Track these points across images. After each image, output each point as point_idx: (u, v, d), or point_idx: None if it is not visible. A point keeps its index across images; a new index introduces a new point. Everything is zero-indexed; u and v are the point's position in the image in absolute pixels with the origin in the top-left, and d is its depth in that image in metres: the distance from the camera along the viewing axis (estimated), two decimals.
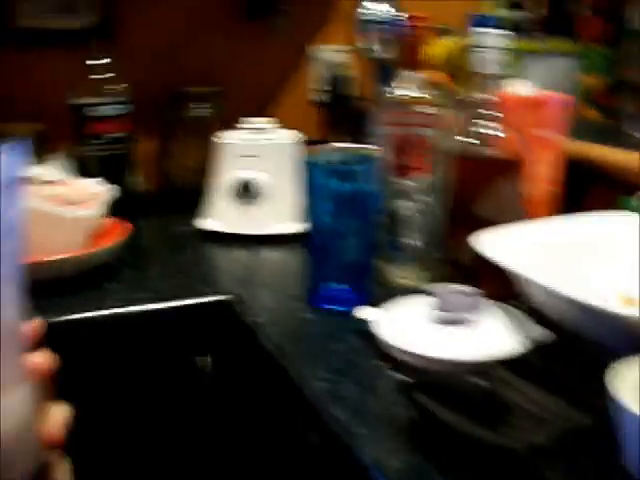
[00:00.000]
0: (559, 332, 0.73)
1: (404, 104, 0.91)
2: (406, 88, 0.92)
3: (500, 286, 0.79)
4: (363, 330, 0.79)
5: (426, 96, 0.92)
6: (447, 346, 0.72)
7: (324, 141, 1.41)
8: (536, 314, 0.77)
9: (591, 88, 1.64)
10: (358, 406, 0.66)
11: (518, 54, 1.42)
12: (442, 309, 0.77)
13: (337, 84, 1.52)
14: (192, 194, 1.27)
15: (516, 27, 1.72)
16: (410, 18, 0.91)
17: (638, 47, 1.57)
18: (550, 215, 0.95)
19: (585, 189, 1.04)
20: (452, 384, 0.59)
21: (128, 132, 1.33)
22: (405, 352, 0.72)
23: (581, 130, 1.02)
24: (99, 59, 1.29)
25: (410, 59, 0.93)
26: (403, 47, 0.93)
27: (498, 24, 0.96)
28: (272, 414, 0.85)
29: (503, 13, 1.67)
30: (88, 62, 1.28)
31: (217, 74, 1.52)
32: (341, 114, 1.51)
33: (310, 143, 1.32)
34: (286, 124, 1.34)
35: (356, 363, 0.75)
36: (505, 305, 0.80)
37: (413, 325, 0.77)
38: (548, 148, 0.96)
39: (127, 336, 0.92)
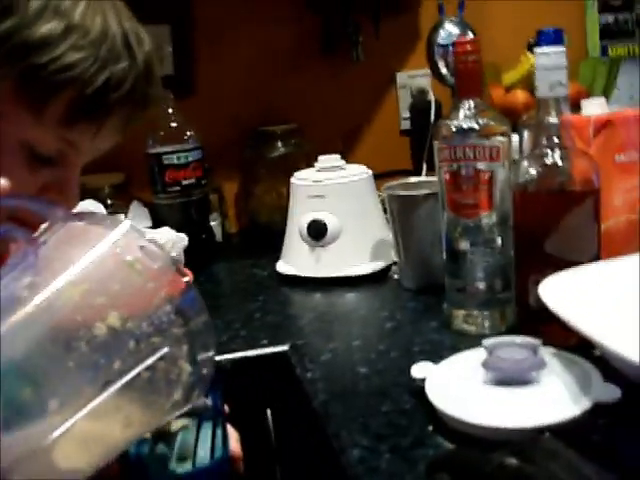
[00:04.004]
0: (628, 385, 0.64)
1: (463, 137, 0.84)
2: (464, 119, 0.85)
3: (569, 332, 0.71)
4: (417, 388, 0.72)
5: (488, 125, 0.84)
6: (495, 412, 0.64)
7: (405, 172, 1.36)
8: (606, 364, 0.68)
9: None
10: None
11: (614, 62, 1.31)
12: (496, 367, 0.69)
13: (424, 110, 1.46)
14: (277, 235, 1.24)
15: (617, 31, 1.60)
16: (462, 43, 0.84)
17: None
18: (633, 248, 0.85)
19: None
20: (476, 462, 0.52)
21: (208, 176, 1.34)
22: (451, 417, 0.65)
23: None
24: (177, 106, 1.30)
25: (468, 84, 0.85)
26: (459, 72, 0.86)
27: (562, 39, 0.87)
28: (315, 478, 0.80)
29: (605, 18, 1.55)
30: (167, 110, 1.29)
31: (298, 111, 1.51)
32: (425, 142, 1.45)
33: (390, 174, 1.28)
34: (375, 155, 1.30)
35: (400, 428, 0.68)
36: (570, 357, 0.72)
37: (465, 386, 0.70)
38: (627, 173, 0.85)
39: None
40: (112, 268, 0.44)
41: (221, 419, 0.61)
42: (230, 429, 0.68)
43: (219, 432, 0.59)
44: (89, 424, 0.41)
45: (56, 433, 0.39)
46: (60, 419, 0.39)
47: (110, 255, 0.44)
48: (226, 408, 0.69)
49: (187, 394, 0.45)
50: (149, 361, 0.42)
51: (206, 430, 0.60)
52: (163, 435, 0.57)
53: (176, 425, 0.59)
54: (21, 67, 0.52)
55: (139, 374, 0.42)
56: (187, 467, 0.56)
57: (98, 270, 0.43)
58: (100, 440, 0.43)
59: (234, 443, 0.67)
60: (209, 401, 0.63)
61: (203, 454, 0.57)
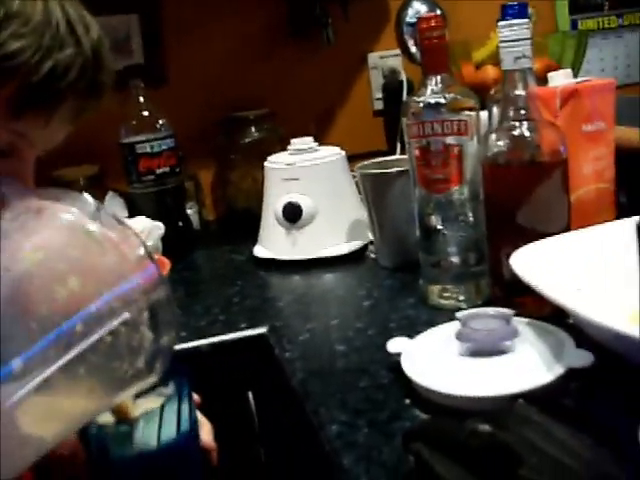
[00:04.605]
0: (601, 352, 0.65)
1: (431, 112, 0.85)
2: (432, 94, 0.85)
3: (543, 302, 0.72)
4: (394, 363, 0.73)
5: (456, 100, 0.85)
6: (469, 381, 0.65)
7: (379, 152, 1.36)
8: (579, 331, 0.69)
9: None
10: (368, 454, 0.61)
11: (582, 35, 1.31)
12: (469, 338, 0.70)
13: (396, 90, 1.46)
14: (254, 220, 1.24)
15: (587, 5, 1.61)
16: (426, 18, 0.84)
17: None
18: (604, 217, 0.86)
19: None
20: (449, 430, 0.53)
21: (182, 164, 1.33)
22: (426, 389, 0.66)
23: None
24: (148, 95, 1.29)
25: (434, 60, 0.86)
26: (424, 48, 0.86)
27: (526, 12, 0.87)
28: (297, 457, 0.80)
29: None
30: (138, 100, 1.28)
31: (270, 95, 1.50)
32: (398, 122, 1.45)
33: (367, 155, 1.28)
34: (349, 137, 1.29)
35: (378, 402, 0.69)
36: (543, 325, 0.73)
37: (439, 358, 0.70)
38: (595, 142, 0.86)
39: None
40: (70, 237, 0.45)
41: (187, 399, 0.61)
42: (203, 420, 0.68)
43: (185, 408, 0.59)
44: (53, 392, 0.41)
45: (20, 393, 0.39)
46: (24, 380, 0.39)
47: (68, 224, 0.45)
48: (197, 397, 0.69)
49: (149, 363, 0.46)
50: (111, 325, 0.43)
51: (171, 409, 0.59)
52: (126, 419, 0.57)
53: (139, 409, 0.59)
54: None
55: (101, 338, 0.42)
56: (152, 444, 0.55)
57: (56, 238, 0.44)
58: (63, 408, 0.43)
59: (206, 434, 0.66)
60: (171, 386, 0.62)
61: (168, 430, 0.57)
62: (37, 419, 0.42)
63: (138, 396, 0.59)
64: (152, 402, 0.58)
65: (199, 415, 0.66)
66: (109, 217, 0.46)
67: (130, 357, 0.45)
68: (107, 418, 0.56)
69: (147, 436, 0.55)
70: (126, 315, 0.43)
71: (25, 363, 0.40)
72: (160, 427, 0.56)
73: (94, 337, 0.42)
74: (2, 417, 0.38)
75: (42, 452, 0.45)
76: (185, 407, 0.58)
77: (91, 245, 0.45)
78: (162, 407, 0.56)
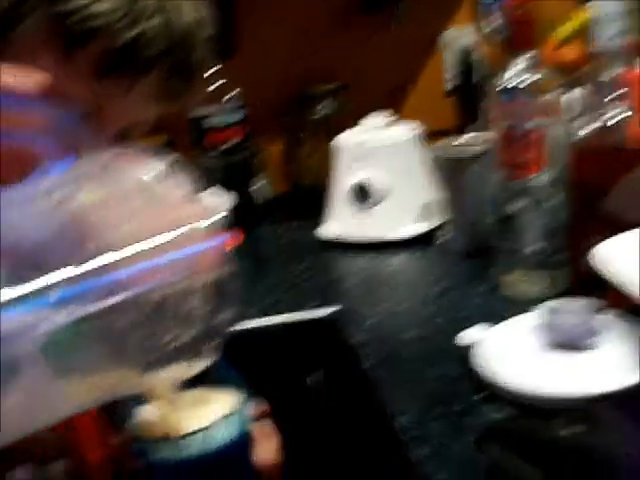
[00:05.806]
0: None
1: (516, 93, 0.81)
2: (517, 75, 0.81)
3: (623, 295, 0.68)
4: (464, 355, 0.70)
5: (541, 82, 0.80)
6: (549, 379, 0.62)
7: (450, 131, 1.32)
8: None
9: None
10: (438, 449, 0.58)
11: None
12: (553, 331, 0.66)
13: (468, 70, 1.41)
14: (321, 197, 1.22)
15: None
16: None
17: None
18: None
19: None
20: (530, 433, 0.50)
21: (250, 138, 1.32)
22: (501, 384, 0.63)
23: None
24: (218, 69, 1.28)
25: (520, 38, 0.81)
26: (511, 25, 0.82)
27: None
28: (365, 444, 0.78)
29: None
30: (207, 72, 1.27)
31: (341, 71, 1.47)
32: (473, 101, 1.40)
33: (438, 134, 1.24)
34: (419, 116, 1.26)
35: (447, 395, 0.66)
36: (631, 320, 0.69)
37: (516, 352, 0.67)
38: None
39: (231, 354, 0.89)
40: (132, 190, 0.43)
41: (242, 408, 0.52)
42: (270, 432, 0.61)
43: (235, 417, 0.53)
44: (85, 344, 0.39)
45: (51, 324, 0.37)
46: (59, 315, 0.38)
47: (132, 179, 0.43)
48: (263, 407, 0.61)
49: (196, 341, 0.43)
50: (158, 283, 0.40)
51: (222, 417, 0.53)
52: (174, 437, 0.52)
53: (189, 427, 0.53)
54: (49, 15, 0.51)
55: (146, 296, 0.40)
56: (193, 452, 0.49)
57: (117, 189, 0.43)
58: (96, 368, 0.41)
59: (267, 450, 0.59)
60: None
61: (214, 438, 0.50)
62: (66, 371, 0.40)
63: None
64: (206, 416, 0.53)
65: (266, 426, 0.60)
66: (178, 183, 0.44)
67: (176, 326, 0.42)
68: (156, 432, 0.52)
69: (189, 443, 0.50)
70: (177, 279, 0.41)
71: (64, 297, 0.38)
72: (206, 434, 0.51)
73: (138, 290, 0.40)
74: (30, 350, 0.37)
75: (66, 411, 0.42)
76: (236, 417, 0.52)
77: (153, 203, 0.43)
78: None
